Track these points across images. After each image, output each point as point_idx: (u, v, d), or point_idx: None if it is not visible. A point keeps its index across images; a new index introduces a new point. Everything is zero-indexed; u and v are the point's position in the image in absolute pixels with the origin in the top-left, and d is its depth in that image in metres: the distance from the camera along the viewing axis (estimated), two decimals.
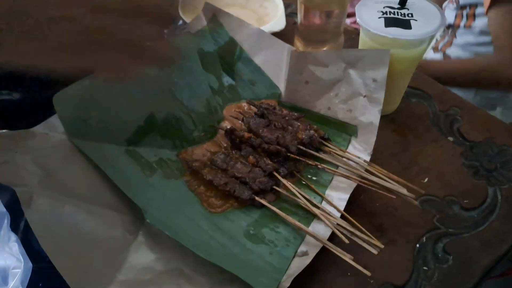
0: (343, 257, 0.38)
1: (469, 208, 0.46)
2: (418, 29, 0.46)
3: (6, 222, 0.41)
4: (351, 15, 1.15)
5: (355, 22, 1.13)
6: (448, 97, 0.58)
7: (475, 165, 0.50)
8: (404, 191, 0.42)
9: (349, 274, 0.41)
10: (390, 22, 0.47)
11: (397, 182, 0.43)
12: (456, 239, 0.43)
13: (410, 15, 0.48)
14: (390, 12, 0.48)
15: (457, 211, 0.46)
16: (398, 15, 0.48)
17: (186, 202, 0.46)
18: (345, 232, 0.40)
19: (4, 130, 0.44)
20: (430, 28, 0.46)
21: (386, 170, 0.44)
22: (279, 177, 0.46)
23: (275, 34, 0.61)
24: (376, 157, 0.49)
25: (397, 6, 0.49)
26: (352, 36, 0.69)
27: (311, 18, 0.60)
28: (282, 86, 0.57)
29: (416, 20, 0.47)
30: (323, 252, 0.40)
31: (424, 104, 0.57)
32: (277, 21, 0.67)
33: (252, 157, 0.49)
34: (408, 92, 0.58)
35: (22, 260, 0.38)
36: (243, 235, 0.43)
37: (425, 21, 0.47)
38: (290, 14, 0.75)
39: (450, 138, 0.53)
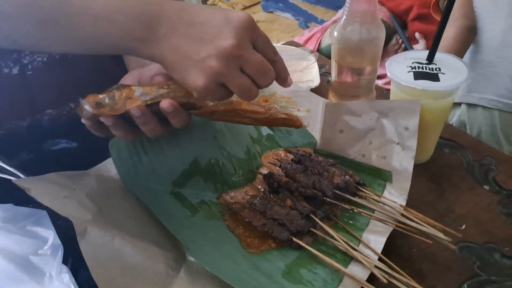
0: None
1: (510, 256, 0.45)
2: (446, 81, 0.49)
3: (60, 253, 0.44)
4: (383, 76, 1.21)
5: (387, 83, 1.18)
6: (481, 147, 0.59)
7: None
8: (441, 235, 0.43)
9: None
10: (419, 75, 0.51)
11: (434, 226, 0.44)
12: (499, 287, 0.42)
13: (437, 69, 0.51)
14: (418, 67, 0.52)
15: (498, 258, 0.45)
16: (426, 69, 0.52)
17: (226, 242, 0.48)
18: (383, 273, 0.40)
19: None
20: (457, 80, 0.49)
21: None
22: (316, 220, 0.48)
23: (311, 91, 0.66)
24: (412, 204, 0.49)
25: (425, 61, 0.53)
26: (384, 92, 0.73)
27: (344, 75, 0.65)
28: (317, 135, 0.60)
29: (444, 74, 0.51)
30: None
31: (457, 154, 0.59)
32: (312, 79, 0.73)
33: (290, 200, 0.51)
34: (440, 142, 0.60)
35: None
36: (281, 275, 0.44)
37: (452, 73, 0.50)
38: (324, 74, 0.80)
39: (486, 187, 0.53)
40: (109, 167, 0.53)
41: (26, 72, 0.58)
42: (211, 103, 0.44)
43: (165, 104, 0.40)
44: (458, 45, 0.77)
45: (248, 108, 0.45)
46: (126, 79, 0.48)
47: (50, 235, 0.46)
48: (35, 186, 0.43)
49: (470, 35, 0.80)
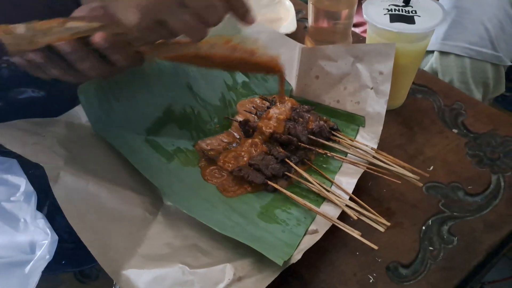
0: (351, 233, 0.40)
1: (473, 194, 0.47)
2: (422, 23, 0.49)
3: (34, 200, 0.43)
4: (360, 24, 1.19)
5: (364, 31, 1.17)
6: (452, 92, 0.60)
7: (479, 155, 0.51)
8: (409, 174, 0.44)
9: (357, 253, 0.43)
10: (395, 18, 0.50)
11: (403, 167, 0.46)
12: (460, 221, 0.45)
13: (413, 12, 0.51)
14: (395, 9, 0.51)
15: (462, 196, 0.47)
16: (402, 11, 0.51)
17: (203, 187, 0.49)
18: (353, 211, 0.42)
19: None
20: (432, 22, 0.49)
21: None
22: (291, 164, 0.49)
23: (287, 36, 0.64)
24: (383, 147, 0.51)
25: (401, 4, 0.52)
26: (360, 39, 0.72)
27: (321, 19, 0.63)
28: (293, 82, 0.60)
29: (420, 16, 0.50)
30: (333, 233, 0.43)
31: (429, 100, 0.60)
32: (289, 23, 0.71)
33: (265, 146, 0.51)
34: (413, 88, 0.61)
35: (49, 232, 0.40)
36: (256, 216, 0.45)
37: (428, 16, 0.50)
38: (300, 19, 0.78)
39: (455, 130, 0.55)
40: (79, 114, 0.51)
41: None
42: (157, 45, 0.39)
43: (96, 38, 0.34)
44: None
45: (209, 53, 0.40)
46: (79, 11, 0.44)
47: (22, 182, 0.45)
48: (2, 133, 0.41)
49: None
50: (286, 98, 0.56)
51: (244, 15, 0.37)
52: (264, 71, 0.46)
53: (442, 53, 0.74)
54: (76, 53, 0.36)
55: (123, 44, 0.37)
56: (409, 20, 0.50)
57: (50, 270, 0.41)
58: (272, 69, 0.44)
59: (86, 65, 0.38)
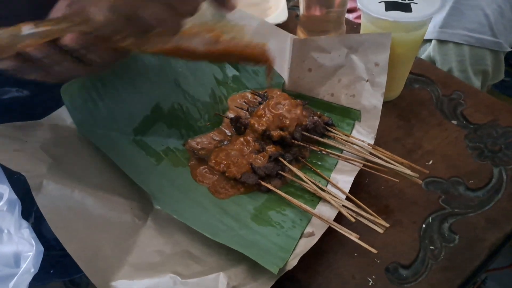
0: (349, 236, 0.38)
1: (474, 189, 0.46)
2: (419, 11, 0.47)
3: (18, 209, 0.41)
4: (354, 10, 1.16)
5: (358, 17, 1.14)
6: (451, 81, 0.58)
7: (480, 147, 0.50)
8: (408, 171, 0.42)
9: (356, 255, 0.42)
10: (391, 6, 0.48)
11: (401, 163, 0.44)
12: (462, 218, 0.43)
13: None
14: None
15: (462, 191, 0.46)
16: None
17: (194, 188, 0.47)
18: (350, 212, 0.40)
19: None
20: (430, 10, 0.47)
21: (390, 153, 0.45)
22: (285, 162, 0.47)
23: (278, 26, 0.62)
24: (381, 141, 0.49)
25: None
26: (354, 26, 0.70)
27: (313, 7, 0.60)
28: (285, 75, 0.57)
29: (416, 4, 0.48)
30: (330, 234, 0.41)
31: (427, 90, 0.58)
32: (279, 13, 0.68)
33: (258, 144, 0.49)
34: (410, 78, 0.59)
35: (34, 244, 0.39)
36: (250, 218, 0.43)
37: (425, 4, 0.47)
38: (292, 8, 0.76)
39: (454, 122, 0.53)
40: (64, 115, 0.48)
41: None
42: (134, 41, 0.35)
43: (66, 40, 0.32)
44: None
45: (191, 45, 0.37)
46: (58, 7, 0.41)
47: (4, 190, 0.43)
48: None
49: None
50: (278, 93, 0.54)
51: (222, 2, 0.35)
52: (251, 61, 0.43)
53: (440, 41, 0.71)
54: (50, 58, 0.33)
55: (97, 42, 0.34)
56: (406, 8, 0.47)
57: (38, 280, 0.40)
58: (259, 58, 0.41)
59: (63, 67, 0.35)
